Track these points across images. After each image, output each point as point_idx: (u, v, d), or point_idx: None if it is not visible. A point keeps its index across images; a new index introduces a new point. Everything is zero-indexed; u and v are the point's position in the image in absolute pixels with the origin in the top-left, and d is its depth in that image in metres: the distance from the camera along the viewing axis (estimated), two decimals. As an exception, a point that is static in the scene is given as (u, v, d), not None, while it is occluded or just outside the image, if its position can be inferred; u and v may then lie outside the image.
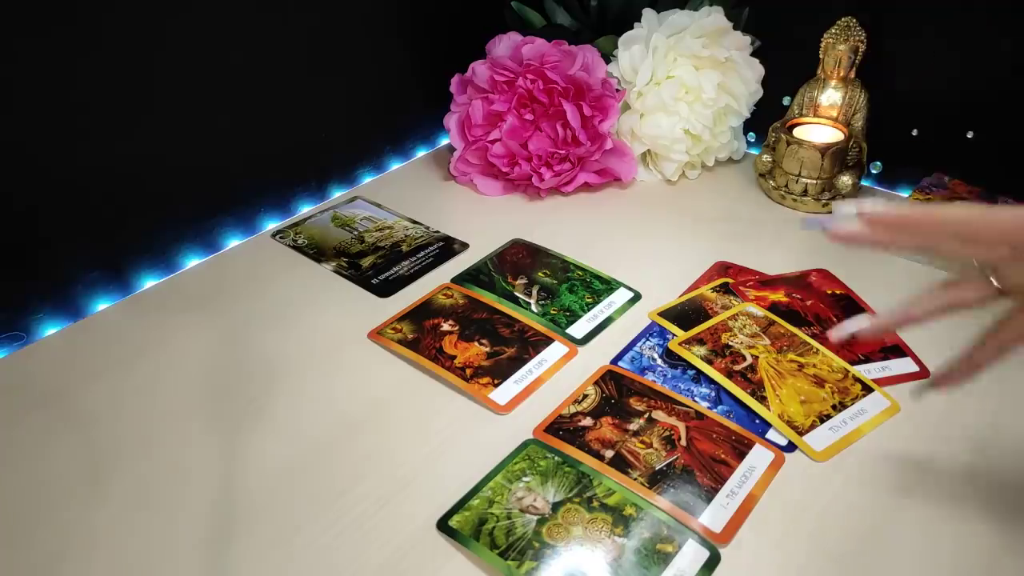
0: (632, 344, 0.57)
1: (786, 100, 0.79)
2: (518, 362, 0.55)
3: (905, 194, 0.73)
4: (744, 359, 0.55)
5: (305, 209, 0.76)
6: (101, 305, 0.62)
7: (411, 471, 0.47)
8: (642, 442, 0.48)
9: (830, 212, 0.73)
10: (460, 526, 0.43)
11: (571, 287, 0.63)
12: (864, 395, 0.52)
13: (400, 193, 0.78)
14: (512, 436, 0.49)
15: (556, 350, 0.57)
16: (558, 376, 0.55)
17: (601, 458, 0.47)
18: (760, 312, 0.59)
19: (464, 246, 0.69)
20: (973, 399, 0.52)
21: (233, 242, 0.71)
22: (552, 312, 0.60)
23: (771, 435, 0.49)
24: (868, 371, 0.54)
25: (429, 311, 0.60)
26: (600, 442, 0.49)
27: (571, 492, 0.45)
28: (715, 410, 0.51)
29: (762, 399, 0.51)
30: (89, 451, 0.49)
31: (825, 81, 0.74)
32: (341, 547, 0.43)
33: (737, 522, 0.44)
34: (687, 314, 0.59)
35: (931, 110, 0.73)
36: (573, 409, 0.51)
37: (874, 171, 0.78)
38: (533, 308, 0.61)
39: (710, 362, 0.54)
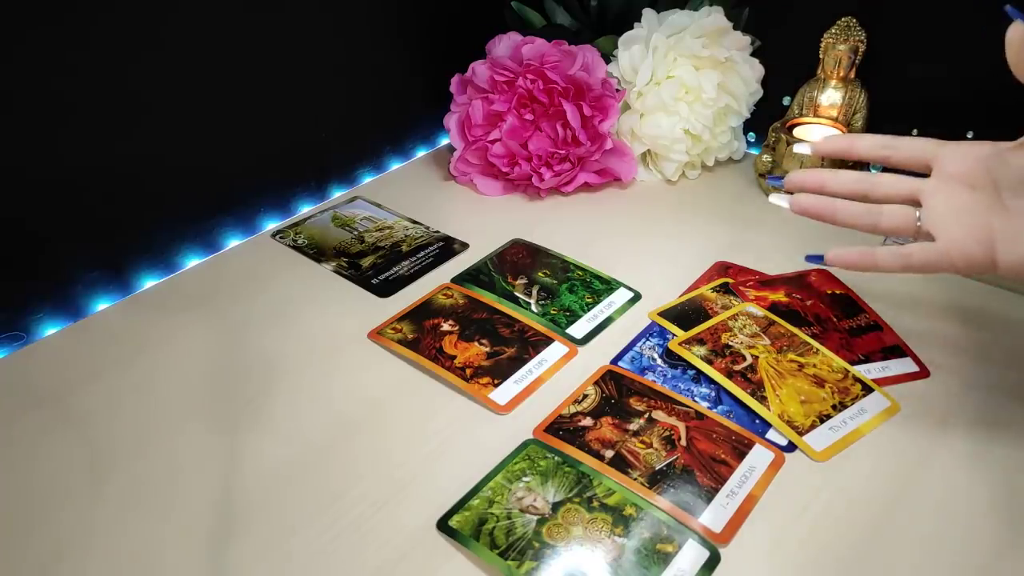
0: (632, 344, 0.57)
1: (786, 100, 0.79)
2: (518, 362, 0.55)
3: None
4: (744, 359, 0.55)
5: (305, 209, 0.76)
6: (101, 305, 0.62)
7: (411, 471, 0.47)
8: (642, 442, 0.48)
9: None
10: (460, 526, 0.43)
11: (571, 287, 0.63)
12: (864, 395, 0.52)
13: (400, 193, 0.78)
14: (512, 436, 0.49)
15: (556, 350, 0.57)
16: (558, 376, 0.54)
17: (601, 458, 0.47)
18: (760, 312, 0.59)
19: (464, 246, 0.69)
20: (974, 398, 0.52)
21: (233, 242, 0.71)
22: (552, 312, 0.60)
23: (771, 435, 0.49)
24: (868, 371, 0.54)
25: (429, 311, 0.60)
26: (600, 442, 0.49)
27: (571, 492, 0.45)
28: (715, 410, 0.51)
29: (762, 399, 0.51)
30: (88, 451, 0.49)
31: (825, 81, 0.74)
32: (341, 546, 0.43)
33: (737, 522, 0.44)
34: (687, 314, 0.59)
35: (931, 110, 0.73)
36: (573, 409, 0.51)
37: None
38: (533, 308, 0.61)
39: (710, 362, 0.54)
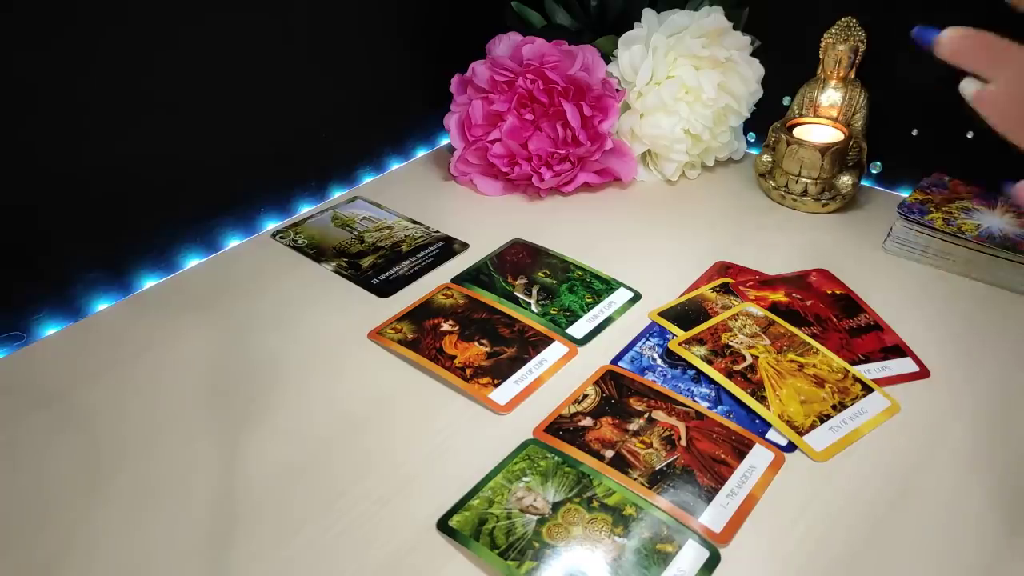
0: (632, 344, 0.57)
1: (786, 100, 0.79)
2: (518, 362, 0.55)
3: (905, 194, 0.73)
4: (744, 359, 0.55)
5: (305, 209, 0.76)
6: (101, 305, 0.62)
7: (411, 471, 0.47)
8: (642, 442, 0.48)
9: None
10: (460, 526, 0.43)
11: (571, 287, 0.63)
12: (864, 395, 0.52)
13: (400, 193, 0.78)
14: (512, 436, 0.49)
15: (556, 350, 0.57)
16: (558, 376, 0.55)
17: (601, 458, 0.47)
18: (760, 312, 0.59)
19: (464, 246, 0.69)
20: (974, 398, 0.52)
21: (233, 242, 0.71)
22: (552, 312, 0.60)
23: (771, 435, 0.49)
24: (868, 371, 0.54)
25: (429, 311, 0.60)
26: (600, 442, 0.49)
27: (571, 492, 0.45)
28: (715, 410, 0.51)
29: (762, 399, 0.51)
30: (89, 451, 0.49)
31: (825, 81, 0.74)
32: (341, 547, 0.43)
33: (737, 522, 0.44)
34: (687, 314, 0.59)
35: (931, 110, 0.73)
36: (573, 409, 0.51)
37: (874, 171, 0.78)
38: (533, 308, 0.61)
39: (710, 362, 0.54)
